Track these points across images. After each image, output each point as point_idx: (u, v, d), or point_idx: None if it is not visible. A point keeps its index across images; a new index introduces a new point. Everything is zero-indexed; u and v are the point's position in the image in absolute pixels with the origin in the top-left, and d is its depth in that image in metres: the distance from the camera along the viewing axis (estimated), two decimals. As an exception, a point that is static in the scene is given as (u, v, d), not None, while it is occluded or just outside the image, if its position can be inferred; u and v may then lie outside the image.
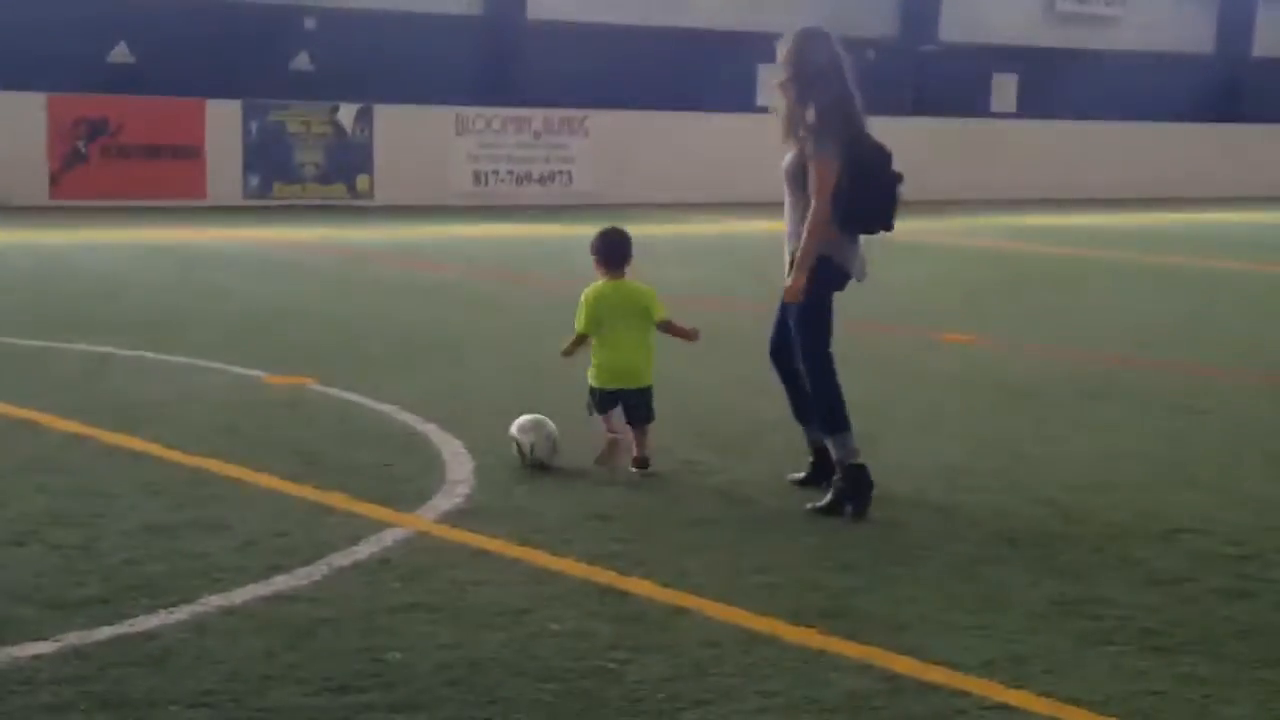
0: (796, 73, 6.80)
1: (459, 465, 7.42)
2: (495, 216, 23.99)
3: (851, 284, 6.97)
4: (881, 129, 6.96)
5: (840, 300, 6.92)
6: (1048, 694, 4.69)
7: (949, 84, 32.98)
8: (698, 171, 28.54)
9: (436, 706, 4.49)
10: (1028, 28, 34.78)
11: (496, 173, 27.45)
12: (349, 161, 26.31)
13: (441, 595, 5.46)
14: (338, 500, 6.69)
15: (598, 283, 7.63)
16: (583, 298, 7.61)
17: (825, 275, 6.79)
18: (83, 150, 24.32)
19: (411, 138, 26.59)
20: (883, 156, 6.80)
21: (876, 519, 6.69)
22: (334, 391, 9.26)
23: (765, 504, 6.92)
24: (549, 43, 29.04)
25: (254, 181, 25.60)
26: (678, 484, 7.28)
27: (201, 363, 10.02)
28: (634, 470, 7.43)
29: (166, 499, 6.69)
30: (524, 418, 7.58)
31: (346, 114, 26.18)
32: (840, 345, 6.95)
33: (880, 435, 8.37)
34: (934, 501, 7.03)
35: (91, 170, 24.33)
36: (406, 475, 7.24)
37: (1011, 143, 32.47)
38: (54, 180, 24.15)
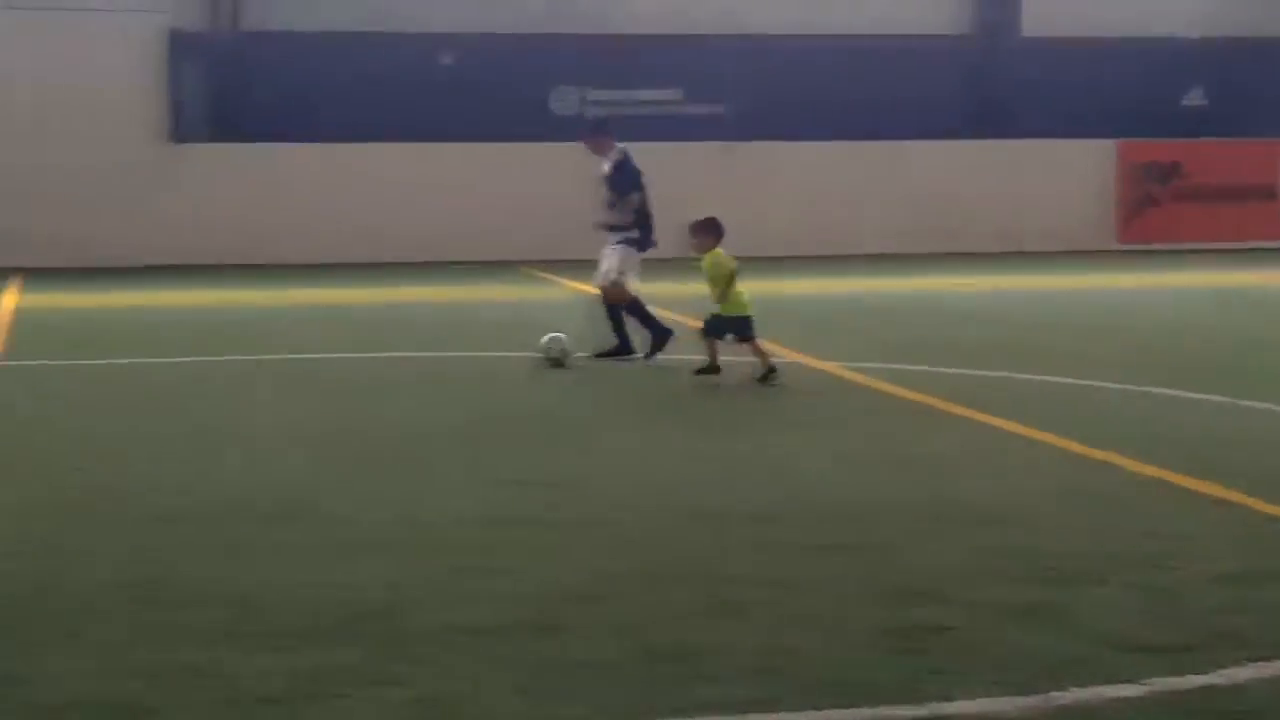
0: None
1: None
2: None
3: None
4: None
5: None
6: None
7: None
8: None
9: None
10: None
11: None
12: None
13: None
14: None
15: (714, 252, 11.02)
16: (713, 263, 10.98)
17: None
18: (1153, 194, 24.39)
19: None
20: None
21: None
22: None
23: None
24: None
25: (1329, 221, 24.47)
26: None
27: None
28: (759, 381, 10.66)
29: (1246, 547, 6.37)
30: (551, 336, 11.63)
31: None
32: None
33: None
34: None
35: (1162, 214, 24.36)
36: None
37: None
38: (1123, 224, 24.41)
